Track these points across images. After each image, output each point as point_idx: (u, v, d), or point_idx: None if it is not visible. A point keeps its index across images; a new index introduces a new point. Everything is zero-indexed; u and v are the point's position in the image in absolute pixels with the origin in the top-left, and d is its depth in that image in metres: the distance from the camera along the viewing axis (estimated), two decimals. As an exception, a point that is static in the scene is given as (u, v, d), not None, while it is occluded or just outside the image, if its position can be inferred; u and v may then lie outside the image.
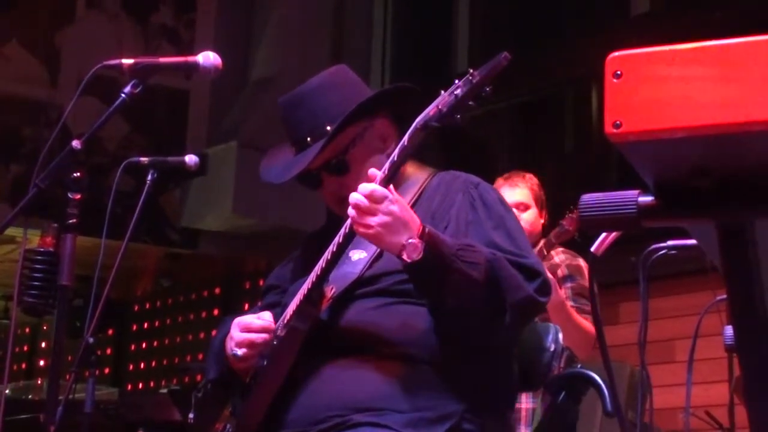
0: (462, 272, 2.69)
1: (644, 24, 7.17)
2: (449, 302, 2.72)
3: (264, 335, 2.95)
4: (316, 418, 2.79)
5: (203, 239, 8.75)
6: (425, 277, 2.74)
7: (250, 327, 2.95)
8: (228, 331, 3.02)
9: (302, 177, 3.10)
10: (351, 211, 2.70)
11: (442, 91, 2.68)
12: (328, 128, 3.02)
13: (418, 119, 2.70)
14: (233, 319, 3.04)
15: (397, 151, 2.75)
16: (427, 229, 2.70)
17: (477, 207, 2.95)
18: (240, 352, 2.95)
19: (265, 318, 2.98)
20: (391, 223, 2.66)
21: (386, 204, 2.67)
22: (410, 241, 2.66)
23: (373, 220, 2.67)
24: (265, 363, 2.96)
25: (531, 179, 4.81)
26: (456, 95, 2.63)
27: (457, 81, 2.65)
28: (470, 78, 2.62)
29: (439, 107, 2.66)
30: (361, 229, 2.70)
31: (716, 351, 3.55)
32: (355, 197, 2.70)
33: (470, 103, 2.64)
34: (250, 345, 2.95)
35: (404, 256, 2.68)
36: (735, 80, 1.17)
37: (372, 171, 2.76)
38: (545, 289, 2.83)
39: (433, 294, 2.76)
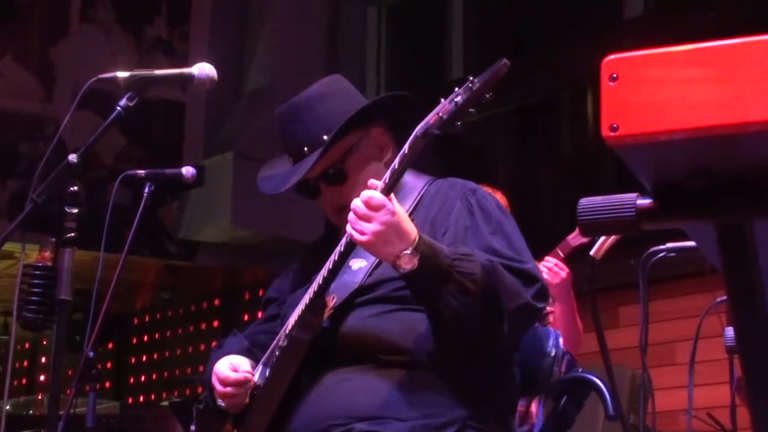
0: (458, 282, 2.69)
1: (638, 27, 7.17)
2: (446, 311, 2.72)
3: (238, 389, 2.98)
4: (319, 427, 2.80)
5: (202, 251, 8.73)
6: (421, 287, 2.74)
7: (226, 381, 2.98)
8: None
9: (300, 187, 3.11)
10: (350, 216, 2.71)
11: (442, 99, 2.68)
12: (325, 138, 3.02)
13: (418, 127, 2.70)
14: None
15: (397, 159, 2.75)
16: (422, 240, 2.70)
17: (475, 213, 2.95)
18: (223, 404, 3.02)
19: (241, 369, 3.00)
20: (385, 233, 2.67)
21: (383, 212, 2.67)
22: (404, 252, 2.67)
23: (368, 228, 2.67)
24: (268, 373, 2.97)
25: (500, 196, 4.83)
26: (456, 102, 2.63)
27: (457, 88, 2.65)
28: (470, 85, 2.62)
29: (440, 115, 2.66)
30: (356, 236, 2.70)
31: (717, 353, 3.55)
32: (354, 203, 2.71)
33: (470, 110, 2.64)
34: (230, 396, 2.99)
35: (399, 267, 2.68)
36: (731, 81, 1.17)
37: (371, 181, 2.76)
38: (543, 294, 2.83)
39: (429, 303, 2.76)
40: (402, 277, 2.74)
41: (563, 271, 4.43)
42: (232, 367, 3.00)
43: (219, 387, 2.99)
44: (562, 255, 4.54)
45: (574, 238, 4.56)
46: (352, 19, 9.25)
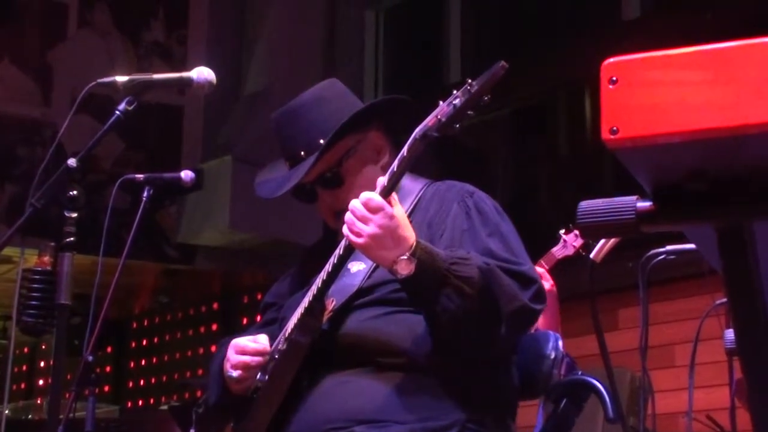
0: (456, 287, 2.69)
1: (636, 29, 7.17)
2: (443, 315, 2.72)
3: (258, 358, 2.96)
4: (318, 430, 2.79)
5: (200, 255, 8.73)
6: (419, 292, 2.74)
7: (245, 350, 2.96)
8: (225, 353, 3.02)
9: (297, 191, 3.11)
10: (347, 216, 2.70)
11: (441, 102, 2.68)
12: (321, 142, 3.02)
13: (417, 130, 2.70)
14: (231, 340, 3.05)
15: (396, 162, 2.75)
16: (420, 245, 2.70)
17: (472, 215, 2.95)
18: (235, 374, 2.97)
19: (260, 341, 2.98)
20: (381, 236, 2.66)
21: (381, 215, 2.67)
22: (401, 257, 2.67)
23: (364, 230, 2.67)
24: (267, 377, 2.97)
25: None
26: (455, 105, 2.63)
27: (455, 91, 2.65)
28: (468, 88, 2.62)
29: (439, 117, 2.66)
30: (352, 238, 2.70)
31: (717, 355, 3.55)
32: (352, 204, 2.70)
33: (469, 112, 2.64)
34: (245, 367, 2.96)
35: (396, 272, 2.68)
36: (730, 83, 1.17)
37: (380, 179, 2.76)
38: (540, 296, 2.83)
39: (427, 307, 2.76)
40: (399, 282, 2.73)
41: (548, 283, 4.42)
42: (253, 339, 2.99)
43: (234, 357, 2.97)
44: (546, 267, 4.54)
45: (559, 251, 4.57)
46: (349, 23, 9.24)
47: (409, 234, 2.71)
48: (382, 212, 2.67)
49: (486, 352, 2.87)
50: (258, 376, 2.99)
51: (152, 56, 8.84)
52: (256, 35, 8.89)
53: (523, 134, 8.40)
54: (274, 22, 8.84)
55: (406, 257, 2.67)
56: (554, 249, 4.56)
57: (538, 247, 4.70)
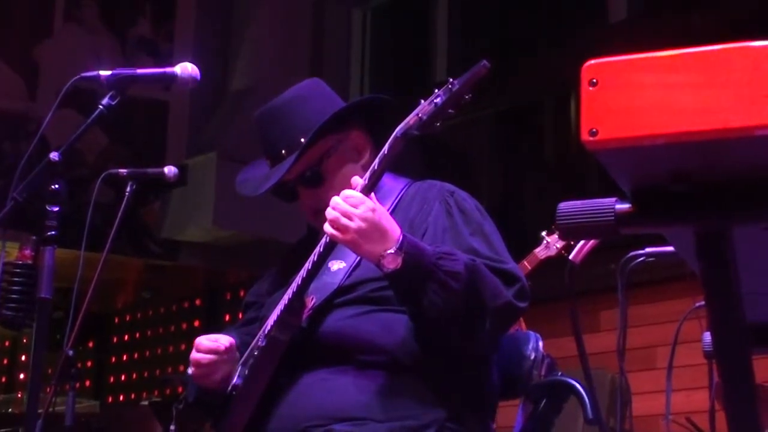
0: (442, 282, 2.69)
1: (623, 31, 7.18)
2: (430, 310, 2.71)
3: (210, 356, 2.97)
4: (297, 428, 2.79)
5: (184, 251, 8.72)
6: (405, 287, 2.73)
7: (198, 347, 2.97)
8: None
9: (277, 189, 3.10)
10: (329, 214, 2.70)
11: (422, 100, 2.68)
12: (302, 140, 3.02)
13: (398, 128, 2.71)
14: None
15: (377, 160, 2.76)
16: (407, 239, 2.70)
17: (454, 214, 2.95)
18: (189, 371, 2.99)
19: (220, 341, 2.99)
20: (366, 230, 2.66)
21: (363, 210, 2.67)
22: (388, 251, 2.66)
23: (349, 225, 2.67)
24: (246, 374, 2.96)
25: None
26: (436, 104, 2.64)
27: (437, 90, 2.65)
28: (450, 87, 2.62)
29: (420, 116, 2.67)
30: (338, 234, 2.69)
31: (697, 357, 3.54)
32: (333, 201, 2.70)
33: (450, 111, 2.64)
34: (196, 365, 2.97)
35: (383, 266, 2.68)
36: (712, 87, 1.17)
37: (355, 179, 2.77)
38: (523, 294, 2.84)
39: (413, 302, 2.75)
40: (386, 277, 2.73)
41: None
42: (212, 338, 3.00)
43: (192, 353, 2.99)
44: (529, 267, 4.55)
45: (542, 251, 4.59)
46: (336, 21, 9.24)
47: (394, 227, 2.70)
48: (363, 206, 2.67)
49: (469, 349, 2.87)
50: (237, 373, 2.99)
51: (139, 52, 8.82)
52: (243, 32, 8.89)
53: (509, 136, 8.40)
54: (262, 19, 8.83)
55: (393, 251, 2.66)
56: (537, 250, 4.59)
57: (523, 249, 4.71)
